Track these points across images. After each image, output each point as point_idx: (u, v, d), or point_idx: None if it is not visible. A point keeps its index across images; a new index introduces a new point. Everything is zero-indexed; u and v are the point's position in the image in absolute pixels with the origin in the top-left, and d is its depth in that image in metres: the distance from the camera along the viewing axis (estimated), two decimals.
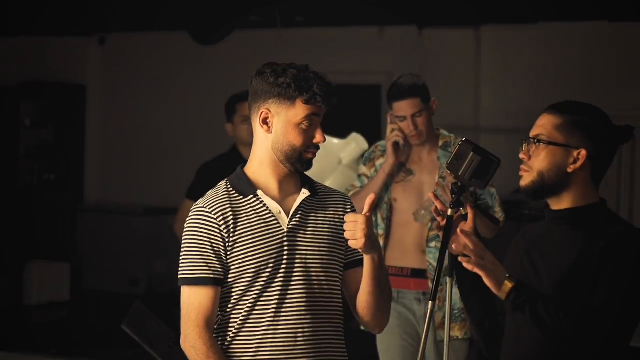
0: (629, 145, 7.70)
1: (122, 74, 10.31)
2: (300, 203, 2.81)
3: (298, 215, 2.80)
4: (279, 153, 2.77)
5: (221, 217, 2.74)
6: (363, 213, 2.70)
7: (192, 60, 9.81)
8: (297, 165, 2.78)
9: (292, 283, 2.75)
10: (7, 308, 8.76)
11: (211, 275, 2.72)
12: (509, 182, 4.47)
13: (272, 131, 2.77)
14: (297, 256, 2.76)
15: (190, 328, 2.72)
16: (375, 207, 4.32)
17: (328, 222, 2.84)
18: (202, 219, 2.75)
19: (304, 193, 2.81)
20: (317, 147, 2.79)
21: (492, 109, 8.46)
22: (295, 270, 2.76)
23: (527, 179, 2.66)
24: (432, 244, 4.25)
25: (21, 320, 8.57)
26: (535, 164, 2.64)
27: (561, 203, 2.66)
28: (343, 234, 2.77)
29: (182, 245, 2.77)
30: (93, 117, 10.41)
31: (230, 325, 2.76)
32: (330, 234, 2.83)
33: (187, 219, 2.79)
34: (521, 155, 2.68)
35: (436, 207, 2.65)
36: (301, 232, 2.79)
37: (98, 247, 9.80)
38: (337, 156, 5.05)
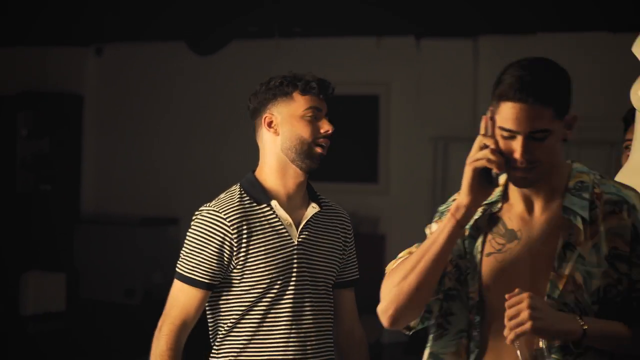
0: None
1: (119, 84, 10.30)
2: (310, 217, 2.81)
3: (307, 229, 2.80)
4: (288, 152, 2.76)
5: (235, 226, 2.72)
6: None
7: (189, 70, 9.81)
8: (307, 161, 2.76)
9: (303, 296, 2.76)
10: (3, 318, 8.73)
11: (206, 280, 2.71)
12: None
13: (279, 132, 2.76)
14: (305, 270, 2.77)
15: (166, 323, 2.72)
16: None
17: (330, 238, 2.87)
18: (215, 222, 2.72)
19: (314, 207, 2.83)
20: (325, 140, 2.77)
21: None
22: (305, 284, 2.77)
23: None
24: None
25: (17, 330, 8.53)
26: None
27: None
28: (341, 251, 2.84)
29: (188, 240, 2.75)
30: (90, 127, 10.40)
31: (241, 335, 2.75)
32: (332, 249, 2.86)
33: (198, 216, 2.77)
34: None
35: None
36: (309, 246, 2.80)
37: (94, 257, 9.79)
38: None
